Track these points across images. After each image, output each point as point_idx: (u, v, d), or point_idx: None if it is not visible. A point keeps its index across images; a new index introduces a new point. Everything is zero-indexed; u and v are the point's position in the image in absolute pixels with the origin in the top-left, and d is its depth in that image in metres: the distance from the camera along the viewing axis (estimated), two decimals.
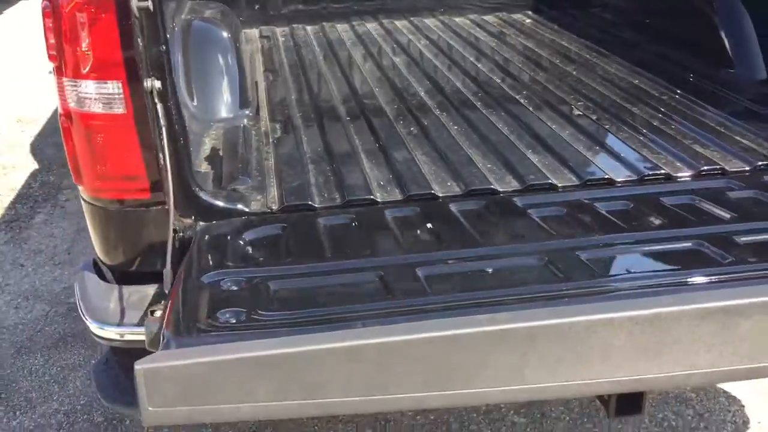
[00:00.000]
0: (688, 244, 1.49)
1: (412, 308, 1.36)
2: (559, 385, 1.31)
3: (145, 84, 1.46)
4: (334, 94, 2.66)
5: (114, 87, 1.49)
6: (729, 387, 2.71)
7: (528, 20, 3.74)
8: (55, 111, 5.99)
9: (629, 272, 1.46)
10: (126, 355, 1.77)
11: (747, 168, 1.88)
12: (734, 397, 2.67)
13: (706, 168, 1.89)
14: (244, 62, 2.53)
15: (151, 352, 1.34)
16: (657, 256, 1.51)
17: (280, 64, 3.05)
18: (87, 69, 1.46)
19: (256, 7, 3.65)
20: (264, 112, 2.43)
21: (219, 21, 2.52)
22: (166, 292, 1.41)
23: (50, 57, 1.52)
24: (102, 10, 1.43)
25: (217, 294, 1.36)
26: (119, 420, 2.63)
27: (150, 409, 1.17)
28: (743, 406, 2.63)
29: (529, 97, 2.59)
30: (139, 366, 1.14)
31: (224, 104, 2.28)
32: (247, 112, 2.32)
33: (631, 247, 1.53)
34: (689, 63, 2.82)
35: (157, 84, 1.49)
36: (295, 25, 3.68)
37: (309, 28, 3.67)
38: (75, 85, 1.49)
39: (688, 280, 1.39)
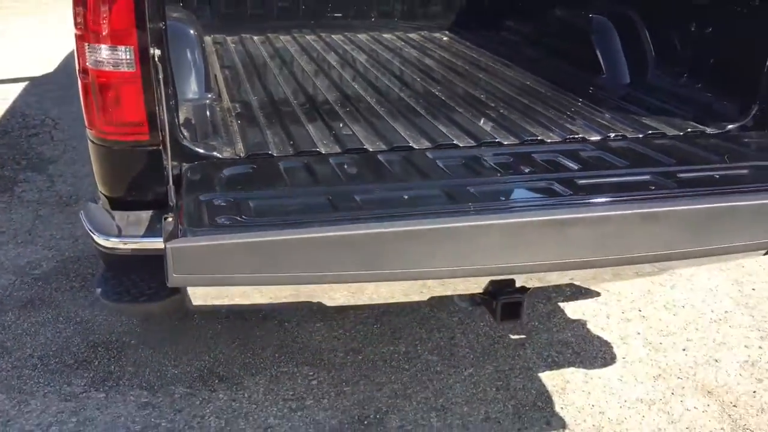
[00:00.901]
0: (543, 184, 2.07)
1: (351, 217, 1.88)
2: (454, 269, 1.85)
3: (150, 51, 1.96)
4: (282, 84, 3.20)
5: (127, 51, 1.97)
6: (604, 334, 3.33)
7: (446, 38, 4.38)
8: (4, 113, 6.26)
9: (503, 199, 2.03)
10: (118, 268, 2.23)
11: (600, 138, 2.52)
12: (606, 341, 3.29)
13: (570, 137, 2.52)
14: (206, 57, 3.04)
15: (140, 259, 1.83)
16: (522, 190, 2.08)
17: (234, 63, 3.57)
18: (106, 35, 1.94)
19: (210, 16, 4.17)
20: (225, 96, 2.94)
21: (187, 21, 3.02)
22: (171, 204, 1.89)
23: (76, 26, 1.99)
24: None
25: (213, 207, 1.85)
26: (88, 361, 3.03)
27: (175, 275, 1.64)
28: (611, 347, 3.25)
29: (443, 91, 3.19)
30: (170, 245, 1.61)
31: (192, 88, 2.77)
32: (210, 95, 2.83)
33: (506, 184, 2.11)
34: (573, 71, 3.50)
35: (158, 51, 1.99)
36: (243, 35, 4.20)
37: (256, 38, 4.20)
38: (95, 49, 1.97)
39: (540, 203, 1.96)
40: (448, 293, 2.37)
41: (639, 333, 3.35)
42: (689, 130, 2.60)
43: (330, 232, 1.69)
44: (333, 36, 4.30)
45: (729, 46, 2.80)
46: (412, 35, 4.39)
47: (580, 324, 3.41)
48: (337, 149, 2.35)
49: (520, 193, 2.05)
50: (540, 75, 3.46)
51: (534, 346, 3.23)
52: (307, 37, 4.26)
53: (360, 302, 2.39)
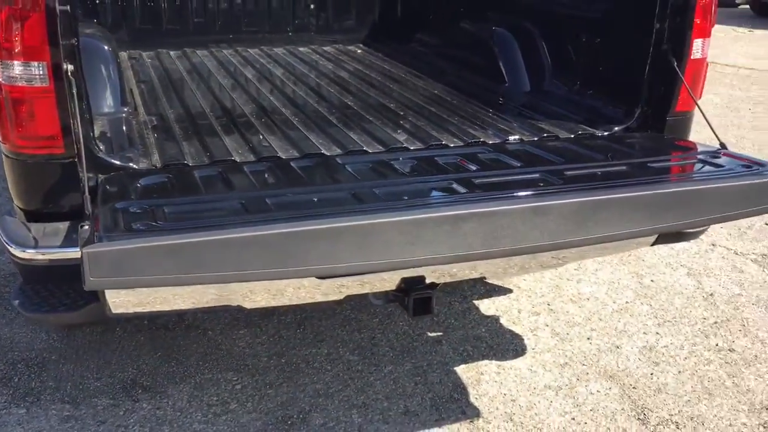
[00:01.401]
0: (443, 184, 2.23)
1: (261, 219, 1.98)
2: (359, 264, 1.97)
3: (64, 66, 2.02)
4: (199, 98, 3.27)
5: (40, 67, 2.02)
6: (515, 328, 3.53)
7: (360, 51, 4.54)
8: None
9: (405, 198, 2.17)
10: (36, 280, 2.27)
11: (498, 141, 2.71)
12: (517, 334, 3.49)
13: (472, 141, 2.70)
14: (121, 72, 3.10)
15: (58, 270, 1.89)
16: (424, 190, 2.23)
17: (150, 78, 3.62)
18: (19, 51, 1.99)
19: (125, 32, 4.20)
20: (141, 110, 3.00)
21: (101, 37, 3.07)
22: (87, 213, 1.95)
23: None
24: (32, 10, 1.97)
25: (128, 214, 1.92)
26: (8, 378, 3.02)
27: (91, 279, 1.70)
28: (522, 340, 3.45)
29: (356, 102, 3.34)
30: (86, 250, 1.68)
31: (108, 102, 2.82)
32: (126, 109, 2.89)
33: (409, 185, 2.25)
34: (479, 81, 3.71)
35: (71, 67, 2.05)
36: (160, 50, 4.25)
37: (173, 52, 4.26)
38: (8, 65, 2.02)
39: (438, 202, 2.11)
40: (364, 291, 2.50)
41: (547, 325, 3.56)
42: (580, 132, 2.82)
43: (240, 233, 1.79)
44: (250, 50, 4.39)
45: (615, 56, 3.05)
46: (327, 48, 4.53)
47: (494, 319, 3.60)
48: (252, 158, 2.46)
49: (421, 193, 2.20)
50: (448, 85, 3.65)
51: (450, 342, 3.39)
52: (224, 51, 4.35)
53: (280, 303, 2.49)
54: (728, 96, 8.14)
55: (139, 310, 2.20)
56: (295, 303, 2.52)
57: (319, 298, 2.55)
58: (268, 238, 1.85)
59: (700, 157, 2.43)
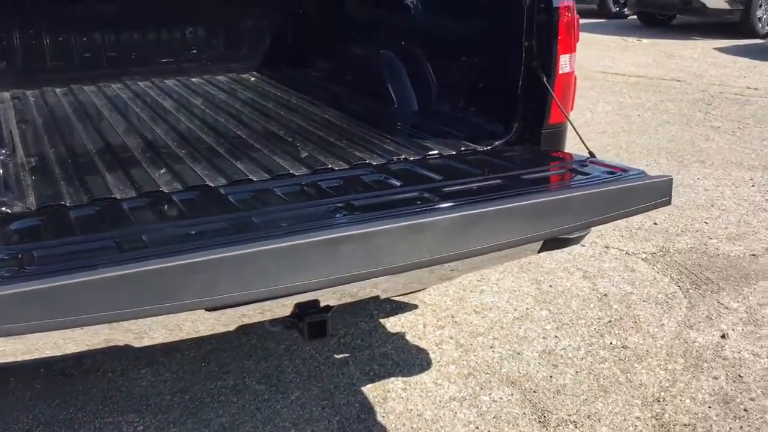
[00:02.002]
0: (325, 207, 2.26)
1: (134, 257, 1.95)
2: (243, 294, 1.98)
3: None
4: (83, 136, 3.21)
5: None
6: (421, 343, 3.59)
7: (253, 79, 4.55)
8: None
9: (284, 225, 2.16)
10: None
11: (383, 162, 2.77)
12: (423, 349, 3.55)
13: (357, 163, 2.75)
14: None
15: None
16: (303, 216, 2.23)
17: (33, 117, 3.52)
18: None
19: (7, 71, 4.08)
20: (20, 151, 2.91)
21: None
22: None
23: None
24: None
25: None
26: None
27: None
28: (428, 354, 3.51)
29: (245, 130, 3.34)
30: None
31: None
32: (4, 151, 2.80)
33: (288, 212, 2.26)
34: (369, 103, 3.78)
35: None
36: (45, 88, 4.14)
37: (58, 90, 4.15)
38: None
39: (316, 226, 2.12)
40: (259, 319, 2.50)
41: (452, 337, 3.64)
42: (462, 149, 2.91)
43: (111, 272, 1.76)
44: (140, 83, 4.33)
45: (492, 74, 3.18)
46: (220, 77, 4.52)
47: (399, 336, 3.65)
48: (133, 194, 2.43)
49: (300, 218, 2.22)
50: (339, 109, 3.70)
51: (357, 363, 3.42)
52: (113, 86, 4.27)
53: (180, 338, 2.46)
54: (619, 103, 8.55)
55: (28, 357, 2.13)
56: (196, 336, 2.50)
57: (220, 329, 2.53)
58: (132, 276, 1.81)
59: (569, 166, 2.56)
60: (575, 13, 2.89)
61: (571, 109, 2.97)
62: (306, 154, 2.90)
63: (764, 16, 12.87)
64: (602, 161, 2.55)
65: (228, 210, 2.27)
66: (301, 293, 2.10)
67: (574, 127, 2.75)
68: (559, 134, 2.94)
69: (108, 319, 1.82)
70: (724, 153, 6.62)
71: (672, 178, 2.32)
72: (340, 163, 2.78)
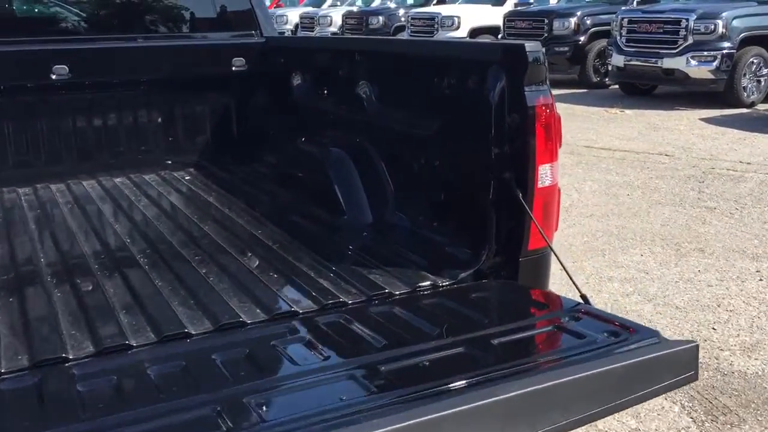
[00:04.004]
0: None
1: None
2: None
3: None
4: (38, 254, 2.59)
5: None
6: None
7: (188, 177, 3.92)
8: None
9: None
10: None
11: (311, 311, 2.09)
12: None
13: (276, 314, 2.08)
14: None
15: None
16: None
17: None
18: None
19: None
20: None
21: None
22: None
23: None
24: None
25: None
26: None
27: None
28: None
29: (146, 259, 2.66)
30: None
31: None
32: None
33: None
34: (315, 212, 3.14)
35: None
36: None
37: None
38: None
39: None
40: None
41: None
42: (419, 284, 2.27)
43: None
44: (51, 186, 3.71)
45: (455, 184, 2.57)
46: (148, 177, 3.89)
47: None
48: (91, 349, 1.87)
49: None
50: (275, 222, 3.05)
51: None
52: (19, 190, 3.64)
53: None
54: (605, 181, 8.02)
55: None
56: None
57: None
58: None
59: (557, 320, 1.91)
60: (555, 110, 2.30)
61: (555, 229, 2.35)
62: (212, 299, 2.20)
63: (749, 85, 12.56)
64: (599, 313, 1.91)
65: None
66: None
67: (560, 261, 2.12)
68: (540, 262, 2.31)
69: None
70: (724, 239, 6.04)
71: (698, 345, 1.68)
72: (258, 310, 2.11)
